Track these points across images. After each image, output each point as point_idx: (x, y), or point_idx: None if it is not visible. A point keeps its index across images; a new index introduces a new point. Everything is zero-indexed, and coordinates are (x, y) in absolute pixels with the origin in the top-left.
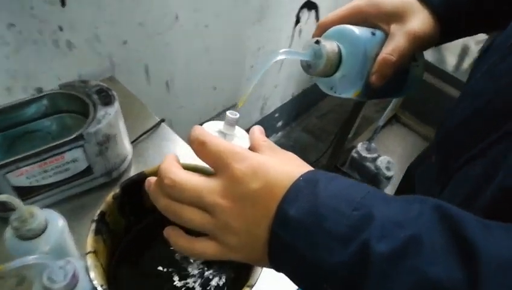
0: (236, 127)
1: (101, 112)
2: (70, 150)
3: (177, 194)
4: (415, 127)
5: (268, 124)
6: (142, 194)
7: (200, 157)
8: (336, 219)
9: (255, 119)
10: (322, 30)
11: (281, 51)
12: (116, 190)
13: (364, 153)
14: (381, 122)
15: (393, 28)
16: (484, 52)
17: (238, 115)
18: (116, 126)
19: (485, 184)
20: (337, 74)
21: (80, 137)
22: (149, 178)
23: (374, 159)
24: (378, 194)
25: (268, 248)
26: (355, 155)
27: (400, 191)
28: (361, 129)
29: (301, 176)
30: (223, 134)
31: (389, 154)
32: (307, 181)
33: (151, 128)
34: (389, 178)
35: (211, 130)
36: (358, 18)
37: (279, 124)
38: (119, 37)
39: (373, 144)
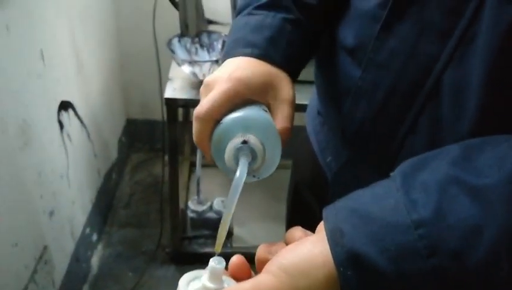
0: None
1: None
2: None
3: None
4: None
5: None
6: None
7: None
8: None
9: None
10: (207, 128)
11: (237, 177)
12: None
13: (199, 207)
14: (198, 173)
15: (272, 100)
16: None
17: (224, 263)
18: None
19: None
20: (264, 163)
21: None
22: None
23: (211, 207)
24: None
25: None
26: (192, 215)
27: (295, 209)
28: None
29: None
30: None
31: (215, 194)
32: (334, 232)
33: None
34: None
35: (192, 287)
36: (235, 101)
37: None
38: None
39: (201, 196)
